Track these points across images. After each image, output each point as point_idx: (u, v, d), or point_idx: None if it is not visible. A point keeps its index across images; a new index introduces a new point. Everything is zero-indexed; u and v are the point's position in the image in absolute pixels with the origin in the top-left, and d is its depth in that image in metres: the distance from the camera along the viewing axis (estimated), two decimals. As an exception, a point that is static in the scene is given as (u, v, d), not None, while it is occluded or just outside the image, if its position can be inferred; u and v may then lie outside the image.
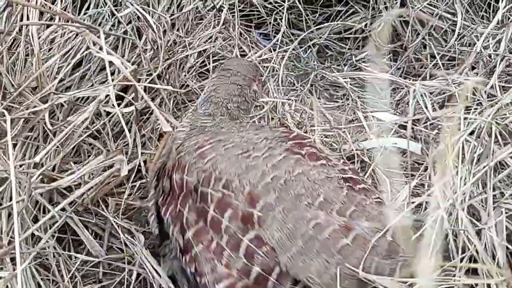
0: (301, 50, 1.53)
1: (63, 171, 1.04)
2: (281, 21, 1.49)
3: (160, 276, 0.96)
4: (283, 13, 1.50)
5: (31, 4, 0.96)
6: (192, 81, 1.36)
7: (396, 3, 1.40)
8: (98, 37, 0.96)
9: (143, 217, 1.06)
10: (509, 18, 1.17)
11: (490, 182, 0.69)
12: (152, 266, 0.97)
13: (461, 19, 1.32)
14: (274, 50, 1.47)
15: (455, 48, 1.32)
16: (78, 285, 0.95)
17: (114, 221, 1.01)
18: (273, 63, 1.42)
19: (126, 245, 1.00)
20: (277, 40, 1.48)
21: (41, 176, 0.96)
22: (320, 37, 1.54)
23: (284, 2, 1.50)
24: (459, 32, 1.32)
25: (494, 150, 0.71)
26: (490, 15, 1.34)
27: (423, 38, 1.42)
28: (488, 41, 1.17)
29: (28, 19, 0.99)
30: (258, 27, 1.58)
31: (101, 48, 0.85)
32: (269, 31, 1.55)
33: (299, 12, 1.56)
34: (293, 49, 1.49)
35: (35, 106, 0.95)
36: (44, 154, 0.81)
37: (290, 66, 1.48)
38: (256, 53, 1.43)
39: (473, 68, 1.19)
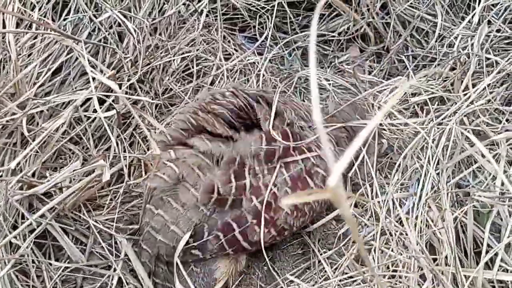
0: (286, 53, 1.53)
1: (43, 177, 1.04)
2: (266, 25, 1.50)
3: (142, 280, 0.97)
4: (267, 16, 1.50)
5: (8, 11, 0.96)
6: (176, 85, 1.36)
7: (377, 6, 1.41)
8: (77, 44, 0.96)
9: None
10: (486, 19, 1.18)
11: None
12: (133, 271, 0.98)
13: (441, 21, 1.33)
14: (260, 54, 1.48)
15: (435, 49, 1.33)
16: (57, 290, 0.95)
17: (95, 225, 1.02)
18: (258, 65, 1.43)
19: (108, 250, 1.01)
20: (261, 43, 1.48)
21: (20, 183, 0.96)
22: (304, 40, 1.55)
23: (267, 5, 1.50)
24: (439, 33, 1.33)
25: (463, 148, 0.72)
26: (471, 16, 1.35)
27: (405, 40, 1.43)
28: (467, 41, 1.18)
29: (4, 25, 0.99)
30: (243, 31, 1.59)
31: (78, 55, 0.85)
32: (253, 35, 1.55)
33: (283, 15, 1.57)
34: (278, 52, 1.50)
35: (13, 113, 0.95)
36: (20, 160, 0.81)
37: (275, 69, 1.48)
38: (238, 56, 1.43)
39: (453, 68, 1.20)
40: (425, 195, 0.79)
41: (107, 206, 1.09)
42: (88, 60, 0.95)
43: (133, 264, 0.96)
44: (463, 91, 0.95)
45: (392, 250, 0.72)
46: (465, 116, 0.84)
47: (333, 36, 1.55)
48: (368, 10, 1.46)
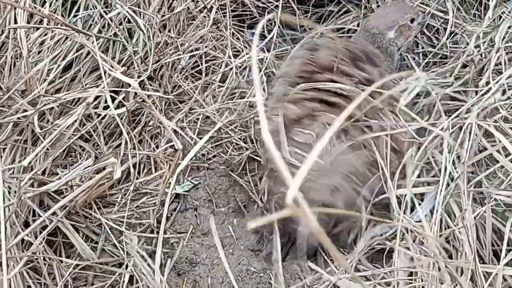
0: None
1: (54, 174, 1.04)
2: (274, 21, 1.49)
3: (153, 277, 0.96)
4: (276, 13, 1.49)
5: (20, 5, 0.95)
6: (185, 82, 1.36)
7: (388, 2, 1.40)
8: (88, 39, 0.96)
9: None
10: (500, 16, 1.16)
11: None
12: (145, 268, 0.98)
13: (453, 17, 1.32)
14: (268, 50, 1.47)
15: (447, 47, 1.32)
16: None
17: (106, 222, 1.01)
18: (266, 62, 1.42)
19: (118, 247, 1.01)
20: (270, 40, 1.47)
21: (31, 180, 0.96)
22: (312, 37, 1.54)
23: (277, 1, 1.49)
24: (450, 31, 1.32)
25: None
26: (482, 12, 1.34)
27: (416, 37, 1.42)
28: (479, 39, 1.17)
29: (16, 21, 0.99)
30: (251, 27, 1.58)
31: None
32: (262, 31, 1.54)
33: (292, 12, 1.56)
34: (286, 49, 1.49)
35: (24, 110, 0.95)
36: (32, 158, 0.80)
37: (283, 66, 1.48)
38: (248, 53, 1.42)
39: (464, 66, 1.18)
40: (440, 194, 0.78)
41: (118, 204, 1.09)
42: (99, 56, 0.95)
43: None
44: (478, 88, 0.94)
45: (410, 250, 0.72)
46: (481, 111, 0.83)
47: (343, 33, 1.54)
48: (378, 6, 1.44)
